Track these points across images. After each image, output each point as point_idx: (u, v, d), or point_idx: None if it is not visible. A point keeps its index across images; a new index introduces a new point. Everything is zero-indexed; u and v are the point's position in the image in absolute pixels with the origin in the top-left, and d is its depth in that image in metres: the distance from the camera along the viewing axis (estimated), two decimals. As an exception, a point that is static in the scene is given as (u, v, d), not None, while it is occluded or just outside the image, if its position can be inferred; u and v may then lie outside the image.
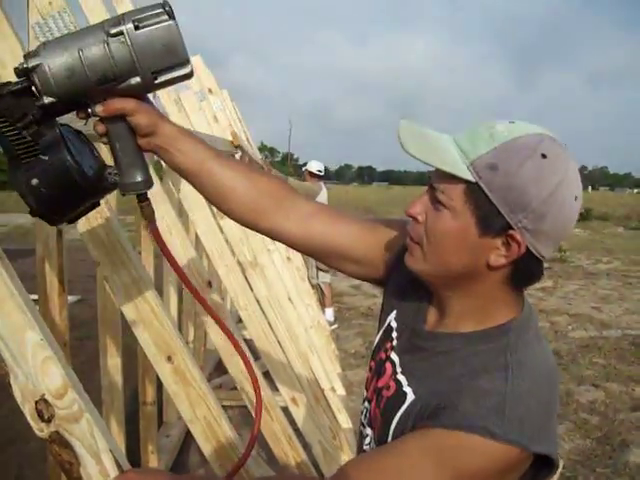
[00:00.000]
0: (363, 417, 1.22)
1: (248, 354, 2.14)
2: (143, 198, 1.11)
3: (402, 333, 1.16)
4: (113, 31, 0.96)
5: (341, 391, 4.55)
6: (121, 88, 1.00)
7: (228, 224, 3.17)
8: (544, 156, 0.93)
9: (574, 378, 5.86)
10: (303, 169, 8.14)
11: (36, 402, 0.99)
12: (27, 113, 0.97)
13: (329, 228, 1.26)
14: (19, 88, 0.97)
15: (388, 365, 1.14)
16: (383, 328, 1.22)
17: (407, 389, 1.06)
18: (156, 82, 1.02)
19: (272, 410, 2.33)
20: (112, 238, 1.57)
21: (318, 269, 7.43)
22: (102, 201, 1.18)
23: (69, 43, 0.97)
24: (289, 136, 55.62)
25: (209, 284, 2.28)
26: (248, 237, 3.39)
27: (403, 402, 1.04)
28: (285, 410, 2.63)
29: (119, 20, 0.98)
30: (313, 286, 6.94)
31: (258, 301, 3.16)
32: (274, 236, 1.29)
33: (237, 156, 3.97)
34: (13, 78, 0.99)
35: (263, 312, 3.15)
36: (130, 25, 0.97)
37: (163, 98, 2.98)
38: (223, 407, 1.72)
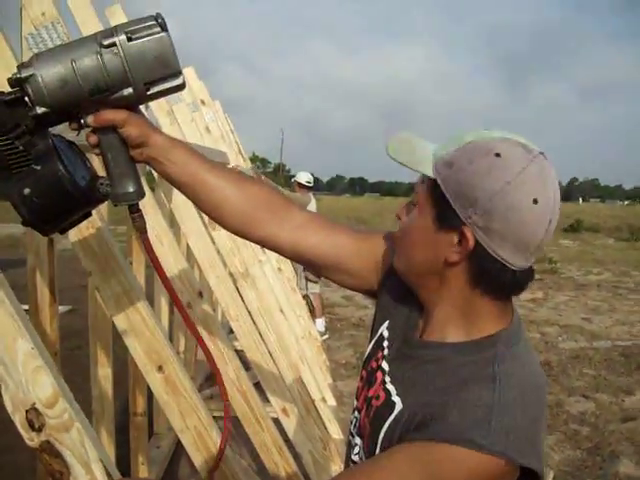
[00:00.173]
0: (352, 427, 1.22)
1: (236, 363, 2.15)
2: (135, 209, 1.12)
3: (393, 342, 1.16)
4: (106, 42, 0.97)
5: (332, 402, 4.54)
6: (114, 99, 1.01)
7: (219, 235, 3.17)
8: (498, 155, 0.95)
9: (564, 389, 5.87)
10: (292, 180, 8.15)
11: (27, 411, 0.99)
12: (20, 123, 0.98)
13: (323, 239, 1.26)
14: (12, 98, 0.98)
15: (379, 374, 1.14)
16: (375, 338, 1.22)
17: (396, 398, 1.06)
18: (148, 93, 1.03)
19: (263, 421, 2.33)
20: (103, 248, 1.58)
21: (307, 280, 7.42)
22: (94, 211, 1.19)
23: (62, 54, 0.98)
24: (281, 147, 55.64)
25: (200, 294, 2.29)
26: (239, 248, 3.39)
27: (391, 412, 1.04)
28: (276, 421, 2.63)
29: (112, 32, 0.99)
30: (303, 297, 6.94)
31: (249, 312, 3.16)
32: (267, 246, 1.30)
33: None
34: (6, 88, 0.99)
35: (254, 323, 3.15)
36: (123, 37, 0.98)
37: (155, 109, 2.99)
38: (214, 418, 1.72)
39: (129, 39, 0.98)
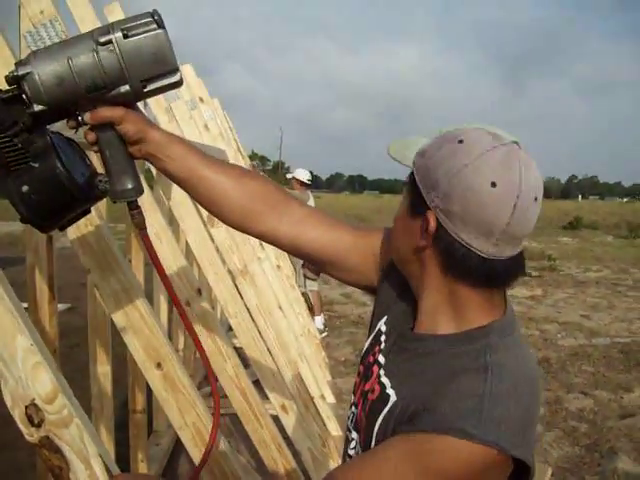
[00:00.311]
0: (350, 422, 1.23)
1: (235, 360, 2.15)
2: (134, 205, 1.12)
3: (390, 336, 1.17)
4: (102, 40, 0.98)
5: (331, 399, 4.55)
6: (111, 96, 1.01)
7: (218, 232, 3.17)
8: (461, 141, 0.97)
9: (563, 386, 5.88)
10: (289, 176, 8.15)
11: (26, 407, 0.99)
12: (18, 121, 0.98)
13: (322, 234, 1.28)
14: (9, 96, 0.98)
15: (375, 368, 1.15)
16: (373, 333, 1.23)
17: (390, 391, 1.07)
18: (145, 90, 1.03)
19: (262, 417, 2.34)
20: (102, 245, 1.58)
21: (306, 277, 7.43)
22: (92, 209, 1.19)
23: (59, 51, 0.98)
24: (280, 144, 55.56)
25: (199, 292, 2.29)
26: (238, 245, 3.39)
27: (385, 404, 1.05)
28: (275, 418, 2.64)
29: (108, 29, 0.99)
30: (302, 294, 6.95)
31: (248, 309, 3.17)
32: (266, 240, 1.31)
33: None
34: (5, 86, 1.00)
35: (253, 320, 3.15)
36: (119, 34, 0.98)
37: (154, 107, 3.00)
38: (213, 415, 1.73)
39: (125, 36, 0.98)
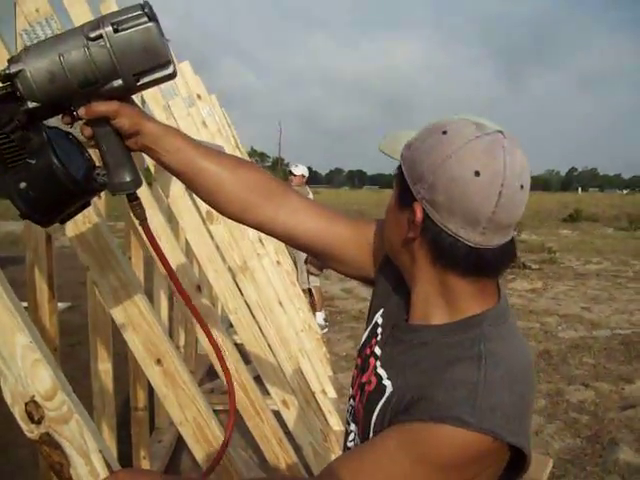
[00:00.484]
0: (348, 414, 1.24)
1: (236, 356, 2.16)
2: (133, 198, 1.13)
3: (386, 328, 1.18)
4: (92, 35, 0.97)
5: (332, 394, 4.56)
6: (104, 91, 1.01)
7: (217, 229, 3.18)
8: (444, 132, 0.98)
9: (564, 378, 5.88)
10: (288, 170, 8.16)
11: (26, 404, 1.00)
12: (12, 118, 0.98)
13: (319, 225, 1.28)
14: (3, 94, 0.98)
15: (372, 360, 1.16)
16: (370, 326, 1.24)
17: (386, 382, 1.08)
18: (138, 84, 1.03)
19: (263, 413, 2.34)
20: (101, 242, 1.59)
21: (309, 273, 7.44)
22: (91, 207, 1.19)
23: (50, 48, 0.98)
24: (279, 141, 55.45)
25: (198, 288, 2.30)
26: (238, 242, 3.40)
27: (382, 395, 1.06)
28: (276, 414, 2.64)
29: (98, 23, 0.98)
30: (304, 291, 6.95)
31: (248, 305, 3.17)
32: (264, 230, 1.31)
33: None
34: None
35: (253, 316, 3.16)
36: (109, 28, 0.97)
37: (152, 104, 2.99)
38: (214, 411, 1.73)
39: (115, 30, 0.97)
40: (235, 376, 2.30)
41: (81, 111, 1.03)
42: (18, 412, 1.00)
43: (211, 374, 5.16)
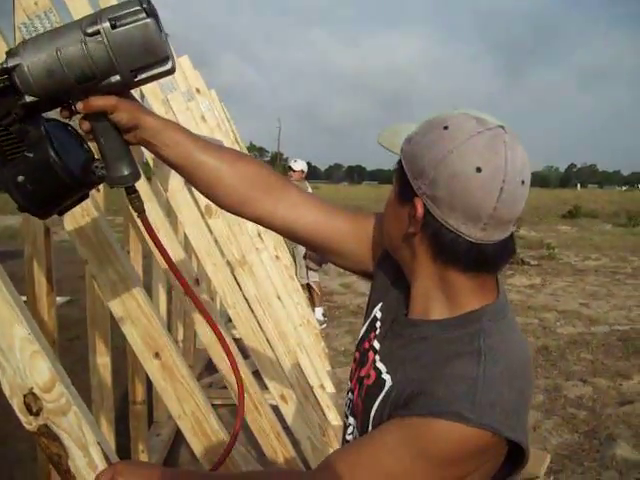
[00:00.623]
0: (347, 408, 1.24)
1: (234, 349, 2.16)
2: (132, 190, 1.12)
3: (385, 322, 1.18)
4: (90, 30, 0.96)
5: (331, 389, 4.57)
6: (102, 86, 1.01)
7: (216, 223, 3.18)
8: (446, 127, 0.98)
9: (562, 373, 5.90)
10: (287, 165, 8.17)
11: (24, 396, 1.00)
12: (10, 111, 0.98)
13: (318, 218, 1.28)
14: (1, 87, 0.98)
15: (370, 354, 1.16)
16: (369, 319, 1.24)
17: (386, 376, 1.08)
18: (136, 80, 1.02)
19: (261, 407, 2.35)
20: (99, 236, 1.59)
21: (308, 268, 7.44)
22: (89, 200, 1.19)
23: (47, 42, 0.98)
24: (278, 136, 55.39)
25: (197, 282, 2.30)
26: (236, 236, 3.40)
27: (381, 389, 1.06)
28: (275, 409, 2.65)
29: (96, 18, 0.97)
30: (303, 286, 6.96)
31: (246, 300, 3.18)
32: (263, 224, 1.31)
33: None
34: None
35: (252, 311, 3.16)
36: (107, 24, 0.96)
37: (150, 98, 2.99)
38: (213, 406, 1.74)
39: (113, 26, 0.96)
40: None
41: (79, 105, 1.03)
42: (17, 404, 1.01)
43: (210, 368, 5.17)
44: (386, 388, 1.06)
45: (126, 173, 1.09)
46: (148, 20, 0.98)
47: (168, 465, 3.75)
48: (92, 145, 1.13)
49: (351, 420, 1.20)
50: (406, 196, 1.02)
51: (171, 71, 1.04)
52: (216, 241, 3.08)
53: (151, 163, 2.75)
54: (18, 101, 0.98)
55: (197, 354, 5.41)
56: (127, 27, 0.97)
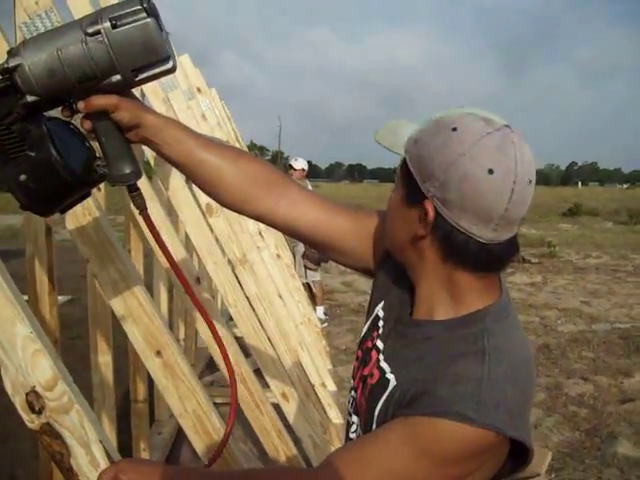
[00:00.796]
0: (350, 406, 1.24)
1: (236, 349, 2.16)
2: (133, 188, 1.12)
3: (387, 321, 1.18)
4: (90, 30, 0.96)
5: (332, 387, 4.57)
6: (103, 85, 1.01)
7: (217, 222, 3.18)
8: (454, 129, 0.97)
9: (563, 371, 5.90)
10: (288, 164, 8.17)
11: (27, 394, 1.00)
12: (12, 111, 0.98)
13: (319, 216, 1.28)
14: (2, 87, 0.98)
15: (373, 353, 1.16)
16: (371, 318, 1.24)
17: (390, 376, 1.08)
18: (137, 79, 1.02)
19: (262, 405, 2.35)
20: (101, 235, 1.59)
21: (306, 268, 7.44)
22: (91, 199, 1.20)
23: (48, 42, 0.98)
24: (279, 134, 55.30)
25: (198, 281, 2.30)
26: (237, 234, 3.40)
27: (385, 389, 1.06)
28: (276, 407, 2.65)
29: (97, 18, 0.97)
30: (302, 285, 6.95)
31: (248, 298, 3.18)
32: (264, 221, 1.31)
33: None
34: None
35: (253, 309, 3.16)
36: (107, 24, 0.96)
37: (151, 97, 2.99)
38: (215, 404, 1.74)
39: (114, 26, 0.96)
40: (235, 368, 2.31)
41: (80, 105, 1.03)
42: (19, 402, 1.01)
43: (211, 367, 5.17)
44: (390, 388, 1.06)
45: (128, 171, 1.09)
46: (148, 20, 0.98)
47: (170, 463, 3.75)
48: (93, 143, 1.13)
49: (354, 418, 1.20)
50: (414, 198, 1.02)
51: (172, 70, 1.04)
52: (217, 240, 3.08)
53: (152, 162, 2.75)
54: (19, 100, 0.98)
55: (198, 352, 5.41)
56: (128, 27, 0.97)
